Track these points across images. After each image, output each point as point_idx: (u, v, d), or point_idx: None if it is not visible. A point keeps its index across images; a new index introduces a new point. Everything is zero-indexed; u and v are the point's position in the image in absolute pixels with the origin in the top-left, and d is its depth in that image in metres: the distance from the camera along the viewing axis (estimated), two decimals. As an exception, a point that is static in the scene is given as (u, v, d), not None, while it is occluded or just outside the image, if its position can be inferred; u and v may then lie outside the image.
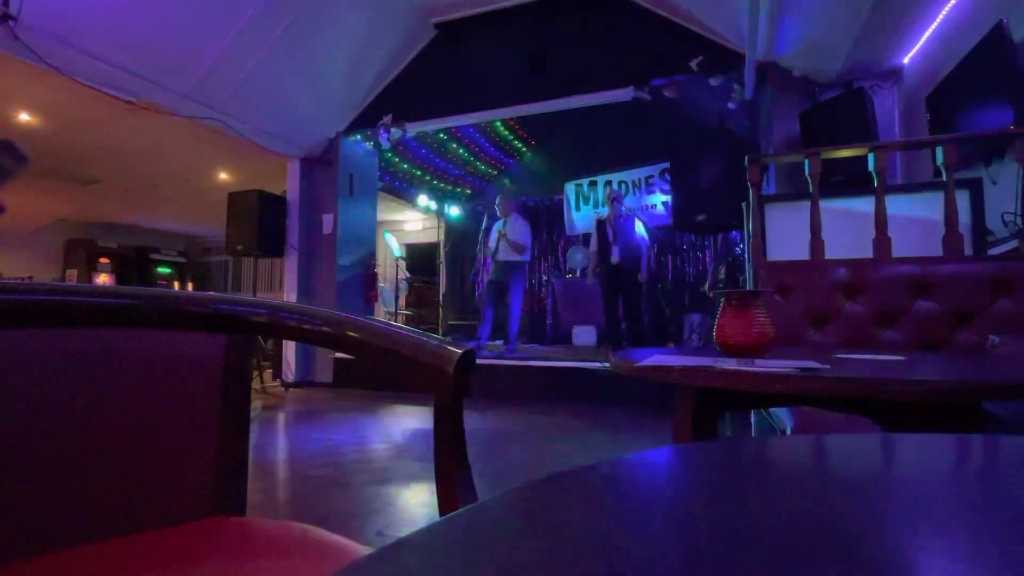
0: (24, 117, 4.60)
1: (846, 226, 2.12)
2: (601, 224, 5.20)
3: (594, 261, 5.28)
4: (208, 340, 0.74)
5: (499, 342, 5.58)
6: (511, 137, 7.74)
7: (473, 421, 3.56)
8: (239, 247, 5.20)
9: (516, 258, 5.23)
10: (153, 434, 0.69)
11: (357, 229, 5.80)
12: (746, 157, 1.97)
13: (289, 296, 5.54)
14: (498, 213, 5.29)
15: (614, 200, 5.19)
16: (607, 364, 4.10)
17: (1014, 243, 2.06)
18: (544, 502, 0.29)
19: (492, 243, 5.23)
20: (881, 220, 1.72)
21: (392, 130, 5.43)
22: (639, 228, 5.05)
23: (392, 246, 7.15)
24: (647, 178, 6.92)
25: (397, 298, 6.87)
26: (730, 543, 0.24)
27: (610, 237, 5.07)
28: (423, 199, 7.80)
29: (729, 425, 2.99)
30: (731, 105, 4.63)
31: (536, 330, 8.12)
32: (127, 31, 3.60)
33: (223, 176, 6.55)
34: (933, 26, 3.08)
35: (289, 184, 5.63)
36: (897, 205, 1.95)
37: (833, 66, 3.59)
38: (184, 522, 0.66)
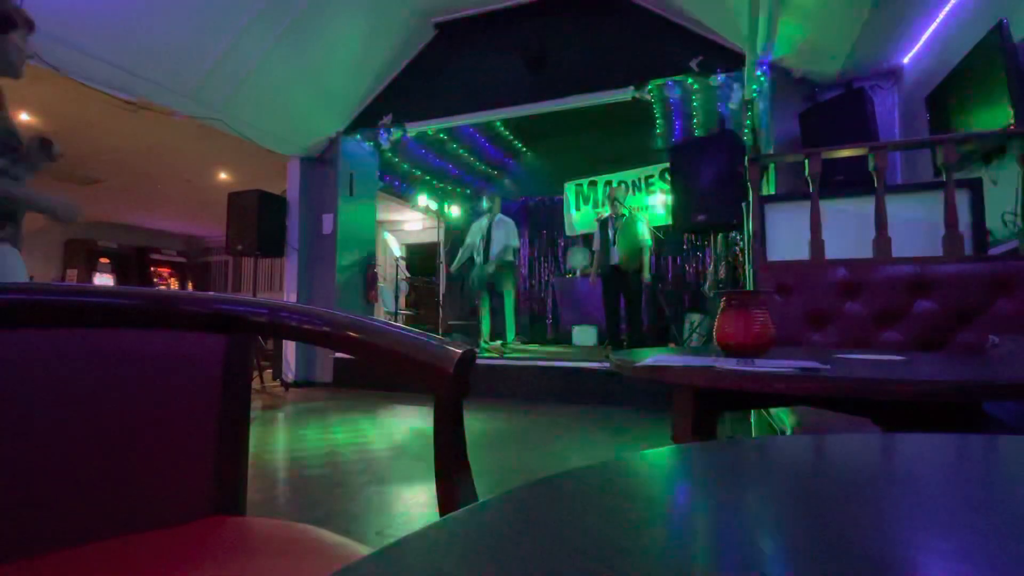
0: (24, 117, 4.60)
1: (846, 226, 2.12)
2: (604, 223, 5.22)
3: (597, 260, 5.30)
4: (208, 340, 0.74)
5: (498, 342, 5.60)
6: (511, 137, 7.74)
7: (473, 421, 3.56)
8: (239, 247, 5.20)
9: (510, 257, 5.43)
10: (153, 434, 0.69)
11: (357, 229, 5.80)
12: (746, 157, 1.97)
13: (289, 296, 5.53)
14: (485, 212, 5.48)
15: (614, 200, 5.20)
16: (607, 364, 4.11)
17: (1014, 243, 2.06)
18: (544, 502, 0.29)
19: (478, 241, 5.43)
20: (881, 220, 1.72)
21: (392, 130, 5.43)
22: (641, 228, 5.05)
23: (392, 246, 7.15)
24: (647, 178, 6.91)
25: (397, 298, 6.87)
26: (730, 543, 0.24)
27: (611, 236, 5.08)
28: (423, 199, 7.80)
29: (729, 425, 2.99)
30: (731, 105, 4.63)
31: (536, 330, 8.12)
32: (127, 31, 3.60)
33: (223, 176, 6.55)
34: (933, 26, 3.08)
35: (289, 184, 5.63)
36: (897, 205, 1.95)
37: (833, 66, 3.59)
38: (184, 522, 0.66)
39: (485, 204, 5.50)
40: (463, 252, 5.59)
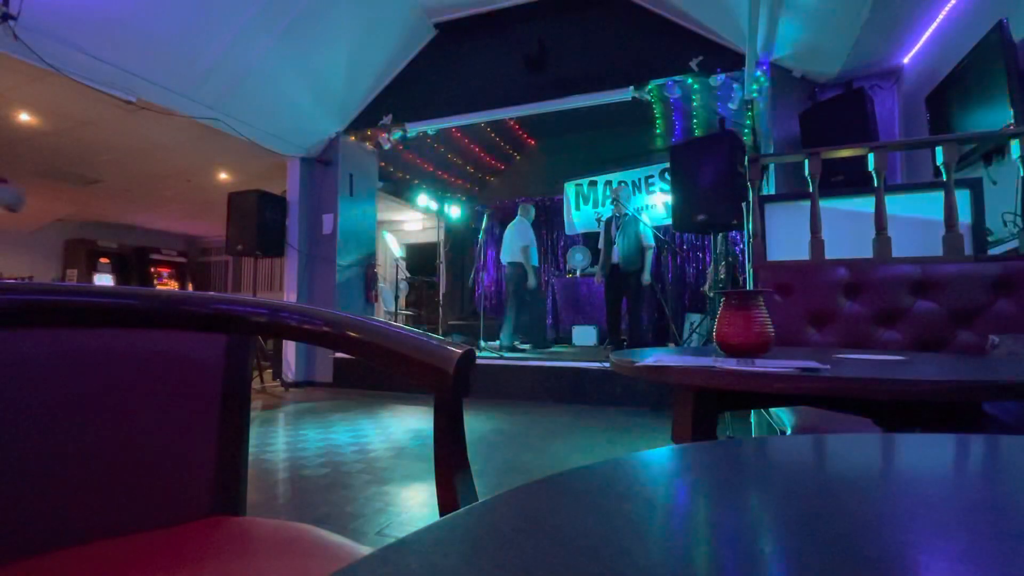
0: (24, 117, 4.60)
1: (846, 226, 2.12)
2: (608, 224, 5.24)
3: (601, 259, 5.31)
4: (208, 340, 0.74)
5: (495, 343, 5.63)
6: (511, 137, 7.74)
7: (473, 421, 3.56)
8: (239, 247, 5.20)
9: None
10: (153, 434, 0.69)
11: (357, 229, 5.81)
12: (746, 157, 1.97)
13: (289, 296, 5.53)
14: (526, 217, 5.86)
15: (615, 200, 5.20)
16: (607, 364, 4.11)
17: (1014, 243, 2.06)
18: (544, 502, 0.29)
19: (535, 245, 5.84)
20: (881, 220, 1.72)
21: (392, 130, 5.43)
22: (643, 229, 5.06)
23: (392, 246, 7.16)
24: (647, 178, 6.92)
25: (397, 298, 6.87)
26: (730, 543, 0.24)
27: (613, 236, 5.08)
28: (423, 199, 7.81)
29: (729, 425, 2.99)
30: (731, 105, 4.63)
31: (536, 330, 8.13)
32: (127, 31, 3.60)
33: (223, 176, 6.55)
34: (933, 26, 3.08)
35: (289, 184, 5.63)
36: (897, 205, 1.96)
37: (833, 66, 3.59)
38: (184, 522, 0.66)
39: (533, 211, 5.98)
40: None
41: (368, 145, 5.85)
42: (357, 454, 2.74)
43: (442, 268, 8.44)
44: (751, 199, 1.94)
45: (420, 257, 9.15)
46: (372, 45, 5.00)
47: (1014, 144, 1.65)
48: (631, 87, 4.50)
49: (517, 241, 5.60)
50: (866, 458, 0.40)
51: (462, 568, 0.21)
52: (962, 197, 1.95)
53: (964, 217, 1.94)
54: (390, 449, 2.85)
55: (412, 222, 9.48)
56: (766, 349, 1.06)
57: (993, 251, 2.14)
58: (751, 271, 1.89)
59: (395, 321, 6.37)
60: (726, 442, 0.43)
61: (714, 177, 3.91)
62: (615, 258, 5.04)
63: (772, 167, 3.76)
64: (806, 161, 1.83)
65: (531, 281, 5.59)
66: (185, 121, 4.40)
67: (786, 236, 2.22)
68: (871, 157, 1.76)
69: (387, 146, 5.74)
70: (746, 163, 1.95)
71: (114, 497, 0.64)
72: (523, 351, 5.69)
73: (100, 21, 3.45)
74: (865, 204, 1.97)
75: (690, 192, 4.08)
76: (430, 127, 5.47)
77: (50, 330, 0.61)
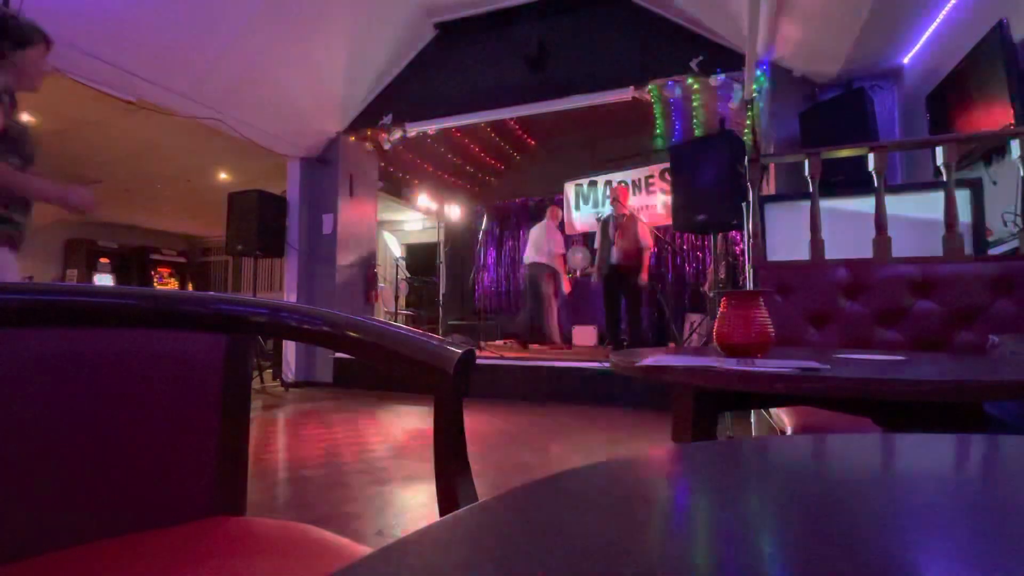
0: (24, 117, 4.59)
1: (846, 226, 2.12)
2: (605, 223, 5.23)
3: (598, 259, 5.31)
4: (208, 340, 0.74)
5: (499, 342, 5.64)
6: (512, 136, 7.73)
7: (473, 421, 3.56)
8: (239, 247, 5.20)
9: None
10: (153, 434, 0.69)
11: (357, 229, 5.80)
12: (746, 157, 1.97)
13: (289, 296, 5.53)
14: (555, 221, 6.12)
15: (614, 200, 5.20)
16: (607, 364, 4.11)
17: (1014, 243, 2.06)
18: (544, 502, 0.29)
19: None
20: (881, 220, 1.72)
21: (392, 130, 5.43)
22: (641, 229, 5.05)
23: (392, 246, 7.16)
24: (647, 178, 6.91)
25: (397, 298, 6.87)
26: (730, 543, 0.24)
27: (612, 236, 5.08)
28: (423, 199, 7.81)
29: (729, 425, 2.99)
30: (731, 105, 4.63)
31: (536, 330, 8.13)
32: (127, 31, 3.60)
33: (223, 176, 6.55)
34: (933, 26, 3.08)
35: (289, 184, 5.63)
36: (897, 205, 1.95)
37: (833, 66, 3.59)
38: (184, 522, 0.66)
39: (561, 215, 6.31)
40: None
41: (368, 145, 5.85)
42: (357, 454, 2.74)
43: (442, 268, 8.43)
44: (751, 199, 1.94)
45: (420, 257, 9.14)
46: (372, 45, 5.00)
47: (1014, 144, 1.65)
48: (631, 87, 4.50)
49: (551, 247, 5.80)
50: (866, 458, 0.40)
51: (462, 568, 0.21)
52: (962, 197, 1.95)
53: (964, 217, 1.94)
54: (390, 449, 2.85)
55: (412, 222, 9.47)
56: (766, 349, 1.06)
57: (993, 251, 2.14)
58: (751, 271, 1.89)
59: (395, 321, 6.37)
60: (726, 442, 0.43)
61: (714, 177, 3.91)
62: (613, 258, 5.04)
63: (772, 167, 3.76)
64: (806, 161, 1.83)
65: (566, 287, 5.95)
66: (185, 121, 4.40)
67: (786, 236, 2.22)
68: (871, 157, 1.76)
69: (387, 146, 5.74)
70: (746, 163, 1.95)
71: (114, 497, 0.64)
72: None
73: (100, 21, 3.45)
74: (865, 204, 1.97)
75: (690, 192, 4.07)
76: (430, 127, 5.47)
77: (50, 330, 0.61)
